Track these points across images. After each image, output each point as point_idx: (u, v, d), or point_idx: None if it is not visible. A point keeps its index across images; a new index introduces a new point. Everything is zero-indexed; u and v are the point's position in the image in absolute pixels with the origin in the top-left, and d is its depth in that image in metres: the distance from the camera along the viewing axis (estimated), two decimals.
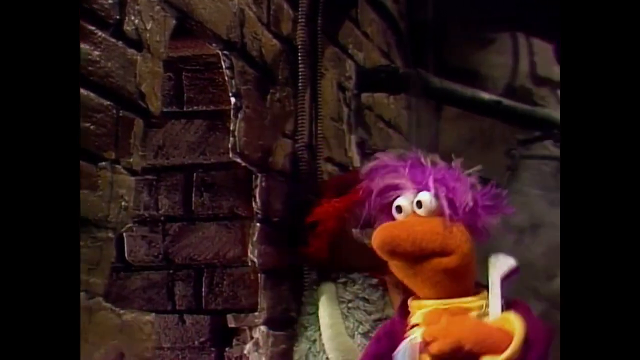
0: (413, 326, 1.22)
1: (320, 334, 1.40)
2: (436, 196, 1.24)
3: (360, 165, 1.95)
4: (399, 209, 1.26)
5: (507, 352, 1.11)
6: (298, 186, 1.54)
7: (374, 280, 1.44)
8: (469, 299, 1.24)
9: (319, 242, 1.41)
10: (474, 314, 1.22)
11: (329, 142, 1.75)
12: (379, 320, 1.39)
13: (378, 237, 1.25)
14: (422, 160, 1.31)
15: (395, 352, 1.20)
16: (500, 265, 1.26)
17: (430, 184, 1.25)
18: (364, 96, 2.05)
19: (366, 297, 1.43)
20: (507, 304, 1.24)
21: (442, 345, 1.16)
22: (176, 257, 1.41)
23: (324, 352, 1.39)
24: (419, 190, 1.25)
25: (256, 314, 1.38)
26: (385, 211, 1.27)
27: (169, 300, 1.40)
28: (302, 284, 1.50)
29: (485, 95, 2.17)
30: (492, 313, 1.20)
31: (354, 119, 1.94)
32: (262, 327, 1.37)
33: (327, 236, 1.40)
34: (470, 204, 1.23)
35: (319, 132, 1.64)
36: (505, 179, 2.12)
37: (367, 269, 1.44)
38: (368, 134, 2.09)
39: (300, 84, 1.57)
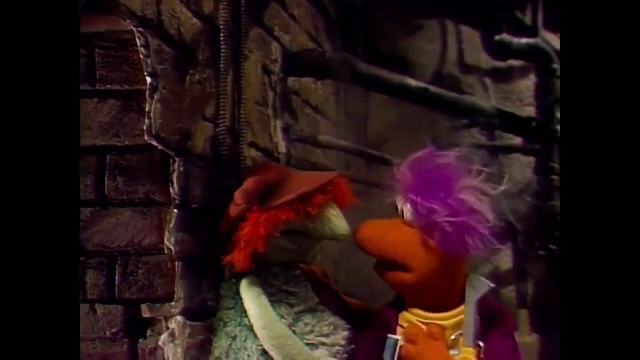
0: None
1: (241, 330, 1.39)
2: (415, 213, 1.35)
3: (286, 151, 1.96)
4: (397, 207, 1.41)
5: None
6: (219, 172, 1.53)
7: (297, 272, 1.46)
8: (446, 315, 1.40)
9: (242, 256, 1.37)
10: (448, 333, 1.38)
11: (252, 127, 1.74)
12: (302, 312, 1.41)
13: (355, 233, 1.44)
14: (435, 163, 1.41)
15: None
16: (477, 288, 1.40)
17: (412, 200, 1.36)
18: (291, 80, 2.04)
19: (289, 289, 1.43)
20: (491, 317, 1.41)
21: None
22: (88, 244, 1.37)
23: (246, 349, 1.38)
24: (406, 200, 1.38)
25: (173, 303, 1.36)
26: None
27: (79, 289, 1.36)
28: (223, 274, 1.49)
29: (413, 82, 2.21)
30: (466, 335, 1.36)
31: (280, 104, 1.93)
32: (179, 318, 1.35)
33: (251, 252, 1.36)
34: (448, 229, 1.32)
35: (242, 116, 1.63)
36: None
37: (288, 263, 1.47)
38: (295, 119, 2.09)
39: (222, 66, 1.53)
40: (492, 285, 1.41)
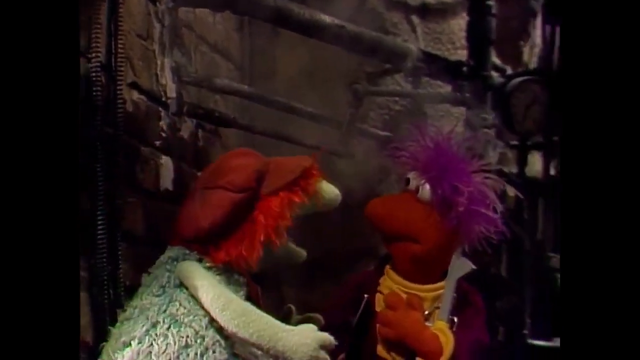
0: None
1: (165, 317, 1.43)
2: (434, 193, 1.70)
3: (176, 95, 1.93)
4: (407, 181, 1.77)
5: None
6: (93, 115, 1.50)
7: (241, 278, 1.54)
8: (427, 287, 1.74)
9: (255, 249, 1.48)
10: (426, 304, 1.72)
11: (133, 64, 1.71)
12: None
13: (366, 210, 1.80)
14: (455, 147, 1.76)
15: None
16: (460, 267, 1.73)
17: (434, 180, 1.71)
18: (183, 11, 2.01)
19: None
20: (464, 297, 1.75)
21: (390, 334, 1.67)
22: None
23: (166, 337, 1.41)
24: (427, 179, 1.72)
25: None
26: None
27: None
28: None
29: (327, 19, 2.21)
30: (442, 309, 1.69)
31: (169, 39, 1.90)
32: None
33: (262, 245, 1.49)
34: (461, 209, 1.67)
35: (119, 50, 1.60)
36: (346, 117, 2.19)
37: None
38: (187, 57, 2.06)
39: None
40: (474, 266, 1.73)
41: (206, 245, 1.51)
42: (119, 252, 1.56)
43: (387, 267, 1.82)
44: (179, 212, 1.58)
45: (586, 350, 1.07)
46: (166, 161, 1.85)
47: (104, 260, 1.50)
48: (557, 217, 2.75)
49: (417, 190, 1.74)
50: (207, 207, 1.51)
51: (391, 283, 1.78)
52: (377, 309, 1.75)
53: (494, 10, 2.58)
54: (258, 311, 1.46)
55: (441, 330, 1.65)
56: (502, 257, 2.77)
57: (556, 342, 2.66)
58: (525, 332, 2.57)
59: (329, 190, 1.63)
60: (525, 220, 2.73)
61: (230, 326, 1.43)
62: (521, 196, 2.54)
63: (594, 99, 1.09)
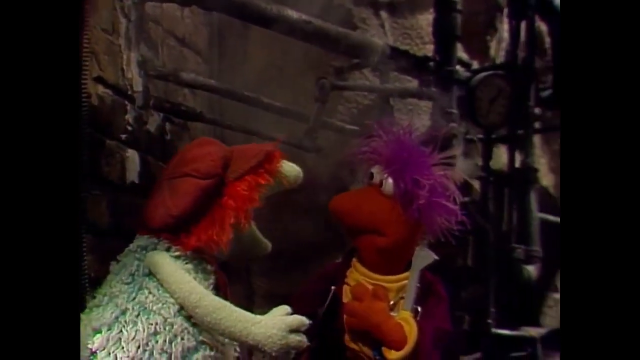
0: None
1: (134, 305, 1.47)
2: (397, 187, 1.73)
3: (142, 89, 1.94)
4: (371, 175, 1.78)
5: (397, 355, 1.64)
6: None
7: (209, 266, 1.58)
8: (392, 278, 1.77)
9: (225, 233, 1.53)
10: (391, 295, 1.75)
11: (99, 58, 1.72)
12: None
13: (330, 205, 1.81)
14: (416, 141, 1.80)
15: None
16: (423, 258, 1.76)
17: (397, 174, 1.74)
18: (150, 6, 2.02)
19: (197, 280, 1.54)
20: (428, 287, 1.78)
21: (356, 324, 1.71)
22: None
23: (135, 324, 1.45)
24: (389, 173, 1.74)
25: None
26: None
27: None
28: None
29: (294, 14, 2.22)
30: (407, 299, 1.73)
31: (135, 33, 1.91)
32: None
33: (232, 229, 1.54)
34: (422, 202, 1.71)
35: (84, 45, 1.60)
36: (313, 111, 2.21)
37: None
38: (154, 51, 2.08)
39: None
40: (436, 257, 1.77)
41: (177, 233, 1.54)
42: (83, 244, 1.57)
43: (354, 259, 1.85)
44: (147, 203, 1.60)
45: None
46: (132, 154, 1.86)
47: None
48: (522, 209, 2.80)
49: (380, 184, 1.77)
50: (175, 195, 1.54)
51: (357, 275, 1.81)
52: (344, 300, 1.78)
53: (459, 7, 2.62)
54: (229, 306, 1.49)
55: (405, 320, 1.69)
56: (468, 248, 2.81)
57: (521, 332, 2.72)
58: (490, 321, 2.61)
59: (291, 169, 1.67)
60: (491, 212, 2.78)
61: (203, 323, 1.48)
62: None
63: (593, 96, 1.10)
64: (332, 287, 1.80)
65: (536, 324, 3.01)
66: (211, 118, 2.19)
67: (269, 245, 1.75)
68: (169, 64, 2.15)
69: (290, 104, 2.35)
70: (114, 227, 1.74)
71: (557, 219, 3.12)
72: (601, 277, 1.06)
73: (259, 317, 1.51)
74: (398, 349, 1.65)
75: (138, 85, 1.91)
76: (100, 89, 1.72)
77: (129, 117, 1.87)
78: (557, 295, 3.44)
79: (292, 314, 1.63)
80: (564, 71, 1.16)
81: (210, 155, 1.59)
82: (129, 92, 1.87)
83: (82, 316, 1.47)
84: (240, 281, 2.53)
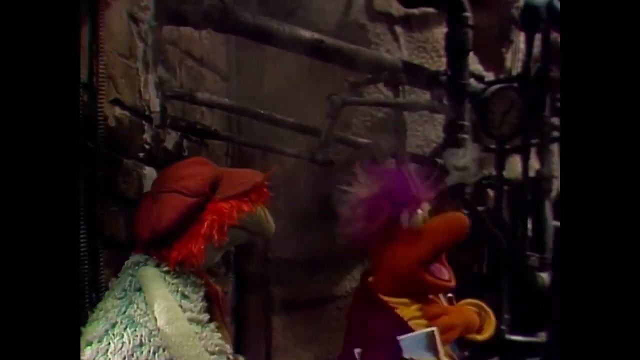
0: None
1: (123, 318, 1.54)
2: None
3: (160, 109, 2.02)
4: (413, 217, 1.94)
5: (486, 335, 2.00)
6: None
7: (198, 280, 1.64)
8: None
9: (198, 248, 1.59)
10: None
11: (116, 82, 1.80)
12: (191, 320, 1.56)
13: (465, 222, 1.99)
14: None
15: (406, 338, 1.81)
16: None
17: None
18: (167, 29, 2.10)
19: (186, 293, 1.60)
20: None
21: (455, 334, 1.95)
22: None
23: (122, 336, 1.51)
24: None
25: None
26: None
27: None
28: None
29: (306, 34, 2.29)
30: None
31: (152, 56, 1.99)
32: None
33: (205, 240, 1.60)
34: None
35: (100, 70, 1.69)
36: (325, 127, 2.26)
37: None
38: (171, 73, 2.15)
39: None
40: None
41: (161, 248, 1.61)
42: (100, 259, 1.65)
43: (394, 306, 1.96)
44: (135, 216, 1.68)
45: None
46: (149, 171, 1.93)
47: (85, 266, 1.59)
48: (536, 217, 2.81)
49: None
50: (162, 210, 1.61)
51: (412, 307, 1.96)
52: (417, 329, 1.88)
53: (470, 22, 2.65)
54: (196, 339, 1.53)
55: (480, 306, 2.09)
56: (483, 257, 2.84)
57: (535, 337, 2.73)
58: (504, 327, 2.63)
59: (269, 218, 1.73)
60: (505, 221, 2.80)
61: (167, 340, 1.51)
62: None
63: (594, 100, 1.10)
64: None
65: None
66: (226, 135, 2.26)
67: (272, 227, 1.76)
68: (187, 84, 2.23)
69: (305, 120, 2.41)
70: (132, 241, 1.82)
71: None
72: (601, 279, 1.07)
73: None
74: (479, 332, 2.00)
75: (155, 105, 1.99)
76: (118, 110, 1.80)
77: (147, 136, 1.95)
78: None
79: None
80: (564, 76, 1.16)
81: (201, 175, 1.66)
82: (147, 113, 1.95)
83: (83, 329, 1.55)
84: (258, 290, 2.59)
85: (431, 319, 1.92)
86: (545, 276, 2.81)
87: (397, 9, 2.91)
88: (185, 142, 2.18)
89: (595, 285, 1.08)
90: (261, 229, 1.71)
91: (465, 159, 2.28)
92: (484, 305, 2.14)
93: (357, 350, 1.87)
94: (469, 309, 2.10)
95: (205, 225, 1.59)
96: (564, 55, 1.16)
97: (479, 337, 2.07)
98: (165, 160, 2.04)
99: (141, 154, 1.91)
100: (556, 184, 3.12)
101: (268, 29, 2.18)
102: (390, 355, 1.82)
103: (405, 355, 1.79)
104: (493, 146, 2.82)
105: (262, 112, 2.22)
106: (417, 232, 1.93)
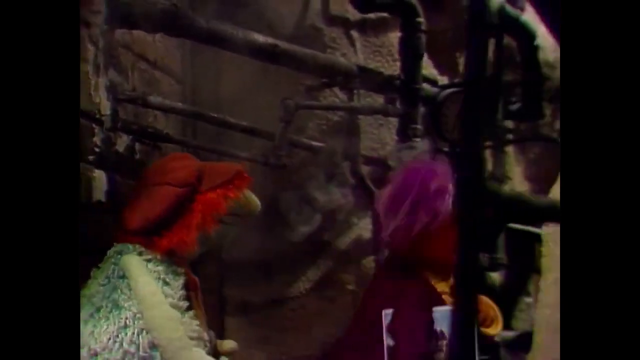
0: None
1: (107, 302, 1.61)
2: None
3: (111, 112, 2.01)
4: None
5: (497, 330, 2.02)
6: None
7: (179, 269, 1.72)
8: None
9: (191, 238, 1.68)
10: None
11: None
12: (171, 306, 1.64)
13: None
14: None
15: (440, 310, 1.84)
16: None
17: None
18: (120, 32, 2.09)
19: (167, 280, 1.68)
20: None
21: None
22: None
23: (108, 318, 1.58)
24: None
25: None
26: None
27: None
28: None
29: (260, 38, 2.29)
30: None
31: (103, 60, 1.98)
32: None
33: (197, 229, 1.69)
34: None
35: None
36: (279, 131, 2.28)
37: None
38: (124, 76, 2.14)
39: None
40: None
41: (151, 236, 1.69)
42: None
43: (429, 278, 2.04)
44: (125, 208, 1.76)
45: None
46: (99, 174, 1.92)
47: None
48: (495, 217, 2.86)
49: None
50: (152, 201, 1.70)
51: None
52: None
53: (423, 27, 2.68)
54: (178, 323, 1.62)
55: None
56: None
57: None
58: None
59: (254, 198, 1.85)
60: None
61: (149, 324, 1.59)
62: None
63: (593, 100, 1.09)
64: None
65: (506, 327, 3.07)
66: (179, 139, 2.26)
67: (258, 205, 1.88)
68: (140, 88, 2.22)
69: (262, 123, 2.42)
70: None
71: (526, 227, 3.19)
72: (602, 281, 1.06)
73: (198, 349, 1.65)
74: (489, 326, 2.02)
75: (106, 109, 1.98)
76: None
77: (97, 139, 1.93)
78: (530, 299, 3.49)
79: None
80: (564, 76, 1.16)
81: (187, 168, 1.76)
82: (97, 116, 1.94)
83: None
84: (212, 291, 2.59)
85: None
86: (495, 276, 2.86)
87: (353, 14, 2.93)
88: (137, 146, 2.17)
89: (595, 285, 1.07)
90: (248, 211, 1.84)
91: (413, 152, 2.30)
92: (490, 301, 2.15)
93: (386, 312, 1.88)
94: (488, 300, 2.12)
95: (199, 215, 1.69)
96: (564, 55, 1.16)
97: (491, 331, 2.08)
98: (116, 164, 2.03)
99: (91, 157, 1.90)
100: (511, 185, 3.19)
101: (221, 33, 2.18)
102: (422, 322, 1.85)
103: (437, 327, 1.81)
104: (446, 149, 2.85)
105: (215, 115, 2.22)
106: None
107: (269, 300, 2.70)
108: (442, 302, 1.92)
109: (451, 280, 1.97)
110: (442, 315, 1.82)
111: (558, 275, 1.28)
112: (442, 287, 2.01)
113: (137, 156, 2.17)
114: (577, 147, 1.08)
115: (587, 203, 1.06)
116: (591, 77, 1.08)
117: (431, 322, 1.81)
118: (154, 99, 2.11)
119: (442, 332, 1.81)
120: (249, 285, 2.64)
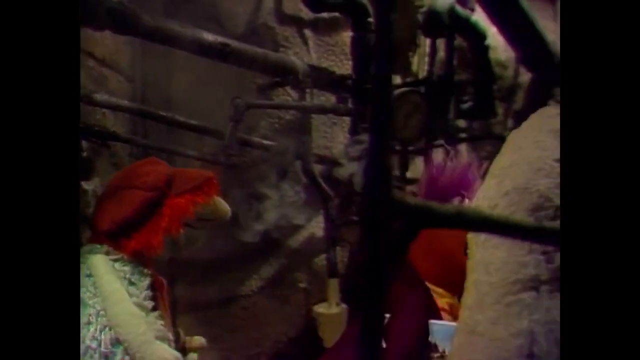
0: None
1: (84, 292, 1.66)
2: None
3: None
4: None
5: None
6: None
7: (145, 270, 1.76)
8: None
9: (158, 240, 1.73)
10: None
11: None
12: (136, 305, 1.68)
13: None
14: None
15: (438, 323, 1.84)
16: None
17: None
18: None
19: (133, 280, 1.73)
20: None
21: None
22: None
23: (87, 306, 1.63)
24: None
25: None
26: None
27: None
28: None
29: (210, 37, 2.27)
30: None
31: None
32: None
33: (163, 232, 1.74)
34: None
35: None
36: (228, 130, 2.27)
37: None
38: None
39: None
40: None
41: (119, 237, 1.73)
42: None
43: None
44: (95, 210, 1.81)
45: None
46: None
47: None
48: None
49: None
50: (121, 204, 1.74)
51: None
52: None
53: (374, 27, 2.68)
54: (142, 319, 1.65)
55: None
56: None
57: None
58: None
59: (223, 204, 1.90)
60: None
61: (113, 321, 1.62)
62: None
63: (593, 101, 1.07)
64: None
65: None
66: (126, 137, 2.24)
67: (228, 211, 1.93)
68: (87, 85, 2.19)
69: (213, 122, 2.41)
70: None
71: None
72: (602, 279, 1.05)
73: (161, 342, 1.68)
74: None
75: None
76: None
77: None
78: None
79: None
80: (564, 76, 1.16)
81: (156, 172, 1.81)
82: None
83: None
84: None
85: (456, 318, 1.96)
86: None
87: (307, 13, 2.92)
88: (84, 144, 2.14)
89: (595, 285, 1.08)
90: (217, 216, 1.88)
91: (360, 147, 2.31)
92: None
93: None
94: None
95: (166, 219, 1.73)
96: (564, 55, 1.16)
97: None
98: None
99: None
100: None
101: (169, 31, 2.15)
102: (420, 328, 1.85)
103: (431, 339, 1.82)
104: (398, 148, 2.87)
105: (163, 114, 2.20)
106: None
107: (220, 299, 2.69)
108: (439, 316, 1.95)
109: (455, 299, 2.03)
110: (440, 329, 1.85)
111: (478, 277, 1.30)
112: (441, 303, 2.03)
113: (85, 154, 2.14)
114: (577, 147, 1.07)
115: (587, 203, 1.06)
116: (591, 77, 1.07)
117: (426, 330, 1.84)
118: (100, 96, 2.09)
119: (435, 345, 1.84)
120: (200, 284, 2.63)
